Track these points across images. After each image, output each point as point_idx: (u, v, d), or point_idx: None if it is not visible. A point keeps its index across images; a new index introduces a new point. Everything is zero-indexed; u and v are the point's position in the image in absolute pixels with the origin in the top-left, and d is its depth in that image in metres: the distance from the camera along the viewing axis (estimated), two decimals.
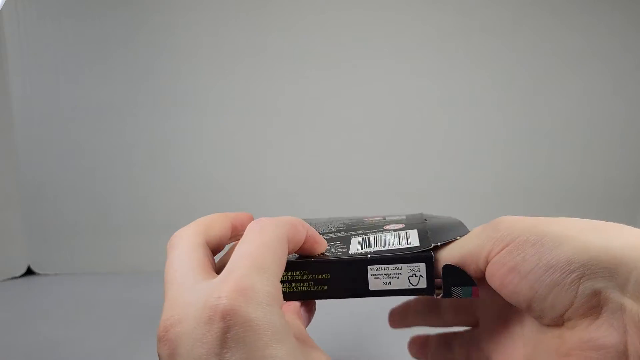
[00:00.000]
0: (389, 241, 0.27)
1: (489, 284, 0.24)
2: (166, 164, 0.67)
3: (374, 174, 0.68)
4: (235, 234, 0.27)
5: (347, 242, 0.27)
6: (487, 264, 0.23)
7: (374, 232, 0.28)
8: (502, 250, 0.23)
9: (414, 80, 0.67)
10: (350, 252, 0.26)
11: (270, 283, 0.20)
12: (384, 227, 0.29)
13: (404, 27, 0.65)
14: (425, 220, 0.31)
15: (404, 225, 0.29)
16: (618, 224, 0.23)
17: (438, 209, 0.69)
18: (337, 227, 0.31)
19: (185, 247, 0.24)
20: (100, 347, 0.47)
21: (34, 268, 0.67)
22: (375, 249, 0.25)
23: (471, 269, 0.24)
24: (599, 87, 0.67)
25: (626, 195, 0.70)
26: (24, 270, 0.67)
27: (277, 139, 0.67)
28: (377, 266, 0.24)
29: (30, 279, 0.66)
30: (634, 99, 0.68)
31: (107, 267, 0.68)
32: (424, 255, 0.25)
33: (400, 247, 0.25)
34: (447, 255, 0.25)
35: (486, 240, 0.24)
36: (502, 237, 0.23)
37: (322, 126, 0.67)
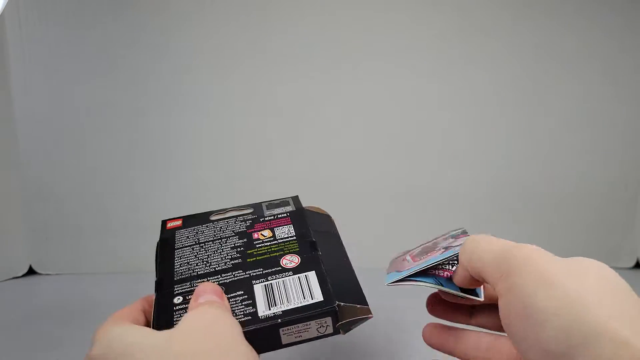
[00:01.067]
0: (293, 294, 0.29)
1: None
2: (166, 164, 0.67)
3: (374, 174, 0.68)
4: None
5: (250, 292, 0.30)
6: (495, 291, 0.25)
7: (274, 275, 0.31)
8: (505, 294, 0.24)
9: (414, 81, 0.67)
10: (259, 314, 0.28)
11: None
12: (281, 263, 0.32)
13: (403, 28, 0.66)
14: (315, 247, 0.33)
15: (299, 261, 0.32)
16: (619, 295, 0.22)
17: (438, 209, 0.69)
18: (232, 258, 0.33)
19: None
20: None
21: (36, 268, 0.67)
22: (283, 308, 0.28)
23: (481, 279, 0.26)
24: (597, 88, 0.67)
25: (626, 195, 0.70)
26: (25, 270, 0.67)
27: (277, 139, 0.67)
28: (289, 327, 0.28)
29: (31, 278, 0.66)
30: (632, 99, 0.68)
31: (108, 267, 0.68)
32: (331, 310, 0.28)
33: (306, 302, 0.28)
34: (467, 258, 0.27)
35: (495, 270, 0.25)
36: (506, 275, 0.24)
37: (321, 126, 0.67)
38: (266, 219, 0.37)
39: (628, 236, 0.70)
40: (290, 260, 0.32)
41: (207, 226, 0.37)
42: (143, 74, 0.64)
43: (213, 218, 0.38)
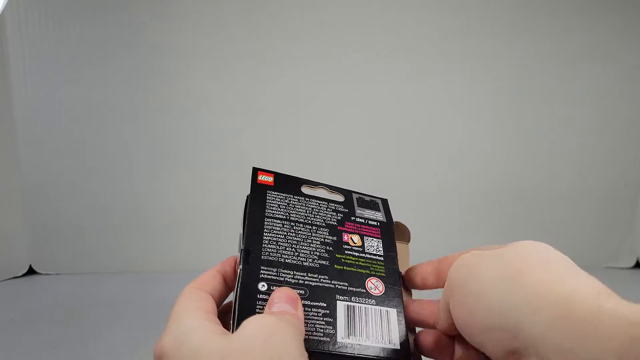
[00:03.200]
0: (373, 328, 0.29)
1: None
2: (166, 164, 0.67)
3: (374, 174, 0.68)
4: (229, 280, 0.31)
5: (332, 308, 0.29)
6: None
7: (358, 297, 0.30)
8: (451, 300, 0.25)
9: (414, 82, 0.67)
10: (338, 339, 0.28)
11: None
12: (367, 285, 0.31)
13: (403, 29, 0.66)
14: (400, 279, 0.32)
15: (382, 290, 0.31)
16: (555, 263, 0.22)
17: (437, 209, 0.69)
18: (320, 257, 0.32)
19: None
20: (100, 346, 0.47)
21: (36, 268, 0.67)
22: (362, 342, 0.28)
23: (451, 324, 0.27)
24: (597, 88, 0.67)
25: (626, 195, 0.70)
26: (25, 269, 0.67)
27: (277, 139, 0.67)
28: None
29: (31, 278, 0.66)
30: (633, 100, 0.68)
31: (108, 267, 0.68)
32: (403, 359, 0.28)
33: (384, 346, 0.29)
34: (441, 320, 0.27)
35: (446, 292, 0.26)
36: (450, 288, 0.25)
37: (322, 127, 0.67)
38: (357, 219, 0.35)
39: (628, 236, 0.70)
40: (375, 286, 0.31)
41: (298, 200, 0.35)
42: (142, 74, 0.64)
43: (304, 190, 0.36)
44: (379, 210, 0.37)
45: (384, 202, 0.39)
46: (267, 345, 0.23)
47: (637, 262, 0.71)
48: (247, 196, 0.34)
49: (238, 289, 0.28)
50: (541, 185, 0.69)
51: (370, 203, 0.38)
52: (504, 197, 0.70)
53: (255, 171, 0.37)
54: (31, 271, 0.67)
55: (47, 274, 0.67)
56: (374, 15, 0.65)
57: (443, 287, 0.31)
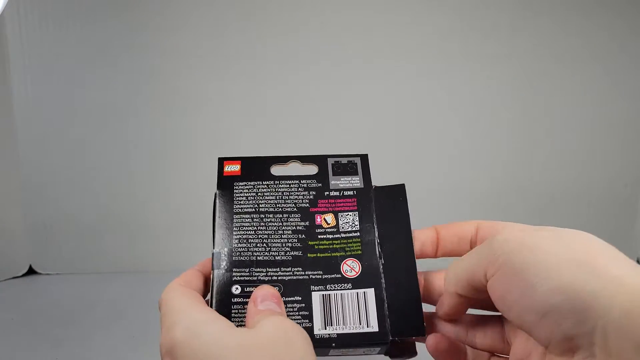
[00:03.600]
0: (349, 314, 0.28)
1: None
2: (166, 164, 0.67)
3: (373, 174, 0.68)
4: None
5: (307, 301, 0.29)
6: (487, 283, 0.24)
7: (333, 284, 0.29)
8: (495, 273, 0.23)
9: (414, 82, 0.67)
10: (315, 331, 0.28)
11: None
12: (342, 269, 0.30)
13: (404, 29, 0.66)
14: (378, 253, 0.31)
15: (359, 270, 0.30)
16: (614, 253, 0.22)
17: (436, 209, 0.69)
18: (292, 247, 0.30)
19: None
20: (100, 347, 0.47)
21: (36, 268, 0.67)
22: (338, 331, 0.28)
23: (475, 287, 0.26)
24: (597, 88, 0.67)
25: (626, 195, 0.70)
26: (25, 269, 0.67)
27: (277, 140, 0.67)
28: (339, 349, 0.28)
29: (31, 278, 0.66)
30: (632, 100, 0.68)
31: (108, 267, 0.68)
32: (382, 343, 0.28)
33: (361, 330, 0.28)
34: (452, 276, 0.27)
35: (482, 260, 0.24)
36: (494, 260, 0.24)
37: (322, 127, 0.67)
38: (331, 193, 0.33)
39: (628, 236, 0.70)
40: (351, 267, 0.30)
41: (267, 185, 0.33)
42: (143, 75, 0.64)
43: (275, 170, 0.34)
44: (357, 174, 0.35)
45: (363, 159, 0.37)
46: (290, 346, 0.22)
47: (637, 262, 0.71)
48: (215, 193, 0.33)
49: (212, 294, 0.28)
50: (541, 185, 0.70)
51: (347, 166, 0.36)
52: (504, 197, 0.70)
53: (221, 162, 0.35)
54: (31, 271, 0.67)
55: (47, 274, 0.67)
56: (374, 15, 0.65)
57: (438, 256, 0.30)
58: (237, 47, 0.65)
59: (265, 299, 0.27)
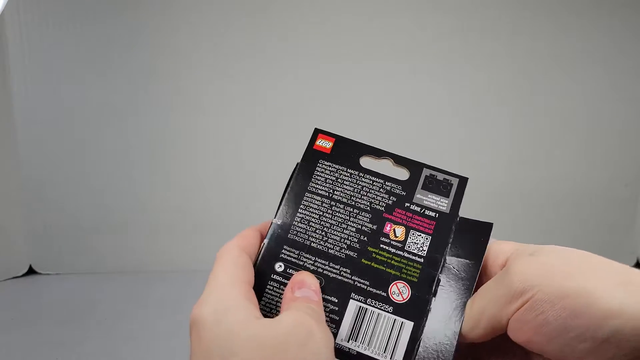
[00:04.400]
0: (377, 338, 0.27)
1: (513, 339, 0.23)
2: (166, 164, 0.67)
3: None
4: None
5: (343, 306, 0.27)
6: (508, 322, 0.23)
7: (375, 300, 0.27)
8: (521, 307, 0.22)
9: (414, 82, 0.67)
10: (337, 339, 0.26)
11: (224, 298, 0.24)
12: (390, 289, 0.28)
13: (404, 29, 0.66)
14: (433, 288, 0.28)
15: (407, 297, 0.28)
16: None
17: None
18: (349, 246, 0.29)
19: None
20: (100, 346, 0.47)
21: (36, 268, 0.67)
22: (360, 350, 0.26)
23: (492, 329, 0.24)
24: (597, 88, 0.67)
25: (626, 195, 0.70)
26: (25, 269, 0.67)
27: (277, 140, 0.67)
28: None
29: (31, 278, 0.66)
30: (632, 100, 0.68)
31: (108, 267, 0.68)
32: None
33: (383, 358, 0.26)
34: (469, 324, 0.25)
35: (503, 298, 0.23)
36: (517, 293, 0.22)
37: (321, 126, 0.67)
38: (411, 207, 0.31)
39: (628, 236, 0.70)
40: (400, 291, 0.28)
41: (351, 174, 0.31)
42: (142, 74, 0.64)
43: (365, 162, 0.32)
44: (447, 196, 0.33)
45: (462, 182, 0.34)
46: (302, 347, 0.22)
47: (637, 262, 0.71)
48: (297, 163, 0.32)
49: (257, 263, 0.27)
50: (541, 185, 0.70)
51: (441, 184, 0.33)
52: (503, 198, 0.70)
53: (316, 133, 0.33)
54: (31, 271, 0.67)
55: (47, 274, 0.67)
56: (374, 15, 0.65)
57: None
58: (237, 47, 0.65)
59: (303, 286, 0.26)
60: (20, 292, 0.62)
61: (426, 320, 0.27)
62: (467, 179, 0.34)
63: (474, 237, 0.31)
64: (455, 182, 0.34)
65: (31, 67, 0.63)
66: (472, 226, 0.32)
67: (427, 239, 0.30)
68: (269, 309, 0.27)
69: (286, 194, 0.30)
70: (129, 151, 0.66)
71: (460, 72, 0.67)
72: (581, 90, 0.67)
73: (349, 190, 0.31)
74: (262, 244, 0.28)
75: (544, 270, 0.22)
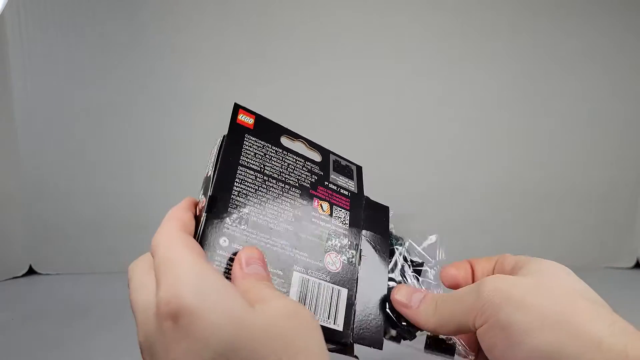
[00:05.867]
0: (321, 306, 0.28)
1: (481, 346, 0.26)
2: (166, 164, 0.67)
3: (373, 174, 0.68)
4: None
5: (288, 278, 0.28)
6: (476, 329, 0.25)
7: (315, 271, 0.29)
8: (483, 324, 0.24)
9: (414, 83, 0.67)
10: None
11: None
12: (325, 260, 0.30)
13: (403, 29, 0.66)
14: (358, 258, 0.31)
15: (339, 268, 0.30)
16: (593, 308, 0.23)
17: (437, 209, 0.69)
18: (286, 220, 0.29)
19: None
20: (100, 347, 0.47)
21: (36, 268, 0.67)
22: None
23: (460, 329, 0.27)
24: (597, 88, 0.67)
25: (626, 195, 0.70)
26: (25, 269, 0.67)
27: None
28: None
29: (31, 278, 0.66)
30: (632, 100, 0.68)
31: (108, 267, 0.68)
32: (343, 343, 0.28)
33: (327, 324, 0.28)
34: (439, 322, 0.27)
35: (470, 309, 0.25)
36: (481, 311, 0.25)
37: (322, 126, 0.67)
38: (329, 185, 0.33)
39: (628, 236, 0.70)
40: (333, 262, 0.30)
41: (276, 152, 0.32)
42: (142, 75, 0.64)
43: (283, 141, 0.33)
44: (352, 179, 0.35)
45: (359, 170, 0.37)
46: (307, 339, 0.22)
47: (637, 262, 0.71)
48: (223, 136, 0.32)
49: (199, 238, 0.26)
50: (541, 185, 0.70)
51: (345, 169, 0.36)
52: (503, 198, 0.70)
53: (237, 108, 0.34)
54: (31, 271, 0.67)
55: (47, 274, 0.67)
56: (374, 15, 0.65)
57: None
58: (237, 47, 0.65)
59: (250, 262, 0.25)
60: (20, 292, 0.62)
61: (357, 287, 0.30)
62: (361, 167, 0.37)
63: (379, 215, 0.34)
64: (354, 168, 0.36)
65: (31, 67, 0.63)
66: (376, 206, 0.35)
67: (346, 214, 0.32)
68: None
69: (218, 167, 0.29)
70: (129, 151, 0.66)
71: (460, 72, 0.67)
72: (581, 90, 0.67)
73: (277, 166, 0.31)
74: (202, 217, 0.27)
75: (505, 297, 0.24)
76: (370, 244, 0.32)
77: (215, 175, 0.29)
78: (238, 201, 0.28)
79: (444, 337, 0.30)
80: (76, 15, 0.62)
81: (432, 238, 0.34)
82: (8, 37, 0.62)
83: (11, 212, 0.65)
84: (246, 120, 0.34)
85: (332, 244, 0.30)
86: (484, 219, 0.70)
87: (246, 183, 0.29)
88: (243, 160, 0.30)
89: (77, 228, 0.67)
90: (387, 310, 0.30)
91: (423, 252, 0.33)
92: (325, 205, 0.32)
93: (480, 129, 0.68)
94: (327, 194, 0.32)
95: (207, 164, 0.31)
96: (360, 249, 0.31)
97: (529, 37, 0.66)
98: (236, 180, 0.29)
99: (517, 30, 0.66)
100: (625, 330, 0.22)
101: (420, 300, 0.29)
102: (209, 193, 0.28)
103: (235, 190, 0.29)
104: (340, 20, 0.65)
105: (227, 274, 0.25)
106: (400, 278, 0.32)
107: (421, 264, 0.32)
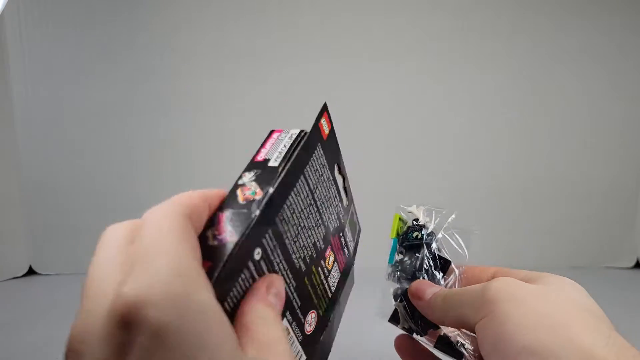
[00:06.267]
0: None
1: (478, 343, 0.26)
2: (166, 164, 0.67)
3: (374, 175, 0.68)
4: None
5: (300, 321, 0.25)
6: (475, 324, 0.26)
7: (296, 327, 0.24)
8: (483, 318, 0.25)
9: (414, 83, 0.67)
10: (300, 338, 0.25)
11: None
12: (306, 320, 0.25)
13: (403, 29, 0.66)
14: (329, 318, 0.28)
15: (311, 331, 0.26)
16: (593, 321, 0.23)
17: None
18: (303, 259, 0.24)
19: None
20: None
21: (36, 268, 0.67)
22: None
23: (461, 323, 0.27)
24: (597, 88, 0.67)
25: (625, 195, 0.70)
26: (25, 270, 0.67)
27: None
28: None
29: (31, 278, 0.66)
30: (632, 99, 0.68)
31: None
32: None
33: None
34: (442, 309, 0.28)
35: (475, 303, 0.26)
36: (484, 306, 0.25)
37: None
38: (341, 238, 0.29)
39: (628, 236, 0.70)
40: (311, 322, 0.26)
41: (328, 177, 0.27)
42: (142, 75, 0.64)
43: (336, 172, 0.29)
44: (354, 239, 0.32)
45: (359, 232, 0.34)
46: None
47: (637, 262, 0.71)
48: (301, 132, 0.25)
49: (239, 241, 0.19)
50: (541, 185, 0.70)
51: (353, 226, 0.32)
52: (503, 198, 0.70)
53: (324, 110, 0.28)
54: (31, 271, 0.67)
55: (47, 274, 0.67)
56: (374, 15, 0.65)
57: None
58: (237, 47, 0.65)
59: (279, 293, 0.21)
60: (21, 292, 0.62)
61: (314, 354, 0.26)
62: (361, 230, 0.34)
63: (347, 288, 0.31)
64: (359, 228, 0.34)
65: (31, 67, 0.63)
66: (351, 279, 0.32)
67: (338, 276, 0.29)
68: (227, 297, 0.19)
69: (289, 165, 0.23)
70: (129, 151, 0.66)
71: (460, 71, 0.67)
72: (581, 90, 0.67)
73: (324, 194, 0.26)
74: (228, 214, 0.20)
75: (509, 295, 0.24)
76: (340, 311, 0.30)
77: (283, 172, 0.22)
78: (286, 215, 0.23)
79: (454, 341, 0.30)
80: (76, 15, 0.63)
81: (466, 235, 0.33)
82: (8, 37, 0.62)
83: (11, 213, 0.65)
84: (324, 127, 0.28)
85: (318, 303, 0.26)
86: (482, 219, 0.70)
87: (299, 197, 0.24)
88: (307, 171, 0.25)
89: (77, 228, 0.67)
90: (404, 302, 0.30)
91: (457, 247, 0.33)
92: (332, 258, 0.28)
93: (479, 128, 0.68)
94: (337, 246, 0.28)
95: (265, 148, 0.25)
96: (333, 317, 0.28)
97: (529, 37, 0.66)
98: (295, 188, 0.23)
99: (517, 30, 0.66)
100: (622, 346, 0.22)
101: (433, 293, 0.29)
102: (271, 189, 0.21)
103: (289, 201, 0.23)
104: (340, 20, 0.65)
105: (242, 289, 0.20)
106: (424, 274, 0.31)
107: (448, 262, 0.32)
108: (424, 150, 0.68)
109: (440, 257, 0.32)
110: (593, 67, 0.67)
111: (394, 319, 0.31)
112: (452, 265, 0.32)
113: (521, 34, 0.66)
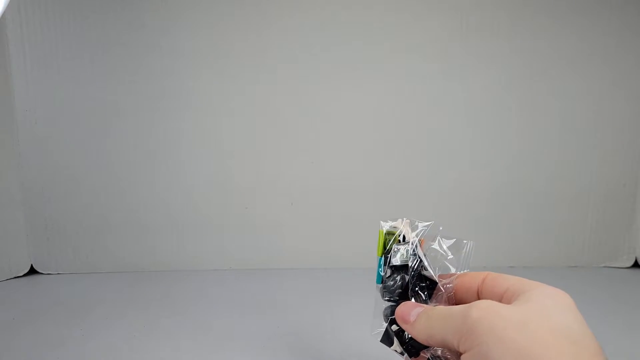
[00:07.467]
0: None
1: None
2: (166, 164, 0.67)
3: (373, 175, 0.69)
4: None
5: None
6: (461, 352, 0.27)
7: None
8: (466, 351, 0.26)
9: (414, 83, 0.67)
10: None
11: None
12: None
13: (403, 29, 0.66)
14: None
15: None
16: (575, 349, 0.24)
17: (438, 209, 0.69)
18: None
19: None
20: (100, 346, 0.47)
21: (37, 267, 0.68)
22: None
23: (446, 346, 0.28)
24: (597, 88, 0.67)
25: (625, 195, 0.70)
26: (27, 269, 0.67)
27: (277, 140, 0.67)
28: None
29: (33, 278, 0.67)
30: (632, 99, 0.68)
31: (109, 267, 0.68)
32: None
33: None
34: (427, 331, 0.29)
35: (456, 333, 0.27)
36: (465, 337, 0.26)
37: (321, 126, 0.67)
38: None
39: (627, 236, 0.71)
40: None
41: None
42: (143, 74, 0.64)
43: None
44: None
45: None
46: None
47: (636, 261, 0.71)
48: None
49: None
50: (540, 185, 0.70)
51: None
52: (503, 198, 0.70)
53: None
54: (32, 271, 0.68)
55: (49, 274, 0.68)
56: (374, 15, 0.65)
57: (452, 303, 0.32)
58: (237, 47, 0.65)
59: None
60: (22, 292, 0.62)
61: None
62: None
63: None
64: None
65: (32, 67, 0.63)
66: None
67: None
68: None
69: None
70: (129, 151, 0.66)
71: (460, 71, 0.67)
72: (580, 89, 0.68)
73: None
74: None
75: (488, 327, 0.25)
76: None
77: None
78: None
79: None
80: (76, 15, 0.63)
81: (454, 247, 0.34)
82: (8, 37, 0.62)
83: (12, 212, 0.65)
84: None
85: None
86: (483, 219, 0.70)
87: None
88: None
89: (78, 228, 0.67)
90: (395, 325, 0.31)
91: (447, 263, 0.33)
92: None
93: (478, 129, 0.68)
94: None
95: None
96: None
97: (529, 37, 0.66)
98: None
99: (517, 30, 0.66)
100: None
101: (417, 314, 0.30)
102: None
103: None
104: (340, 20, 0.65)
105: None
106: (411, 293, 0.32)
107: (434, 283, 0.32)
108: (423, 150, 0.68)
109: (427, 278, 0.32)
110: (593, 67, 0.67)
111: (387, 339, 0.32)
112: (439, 285, 0.32)
113: (521, 33, 0.66)
